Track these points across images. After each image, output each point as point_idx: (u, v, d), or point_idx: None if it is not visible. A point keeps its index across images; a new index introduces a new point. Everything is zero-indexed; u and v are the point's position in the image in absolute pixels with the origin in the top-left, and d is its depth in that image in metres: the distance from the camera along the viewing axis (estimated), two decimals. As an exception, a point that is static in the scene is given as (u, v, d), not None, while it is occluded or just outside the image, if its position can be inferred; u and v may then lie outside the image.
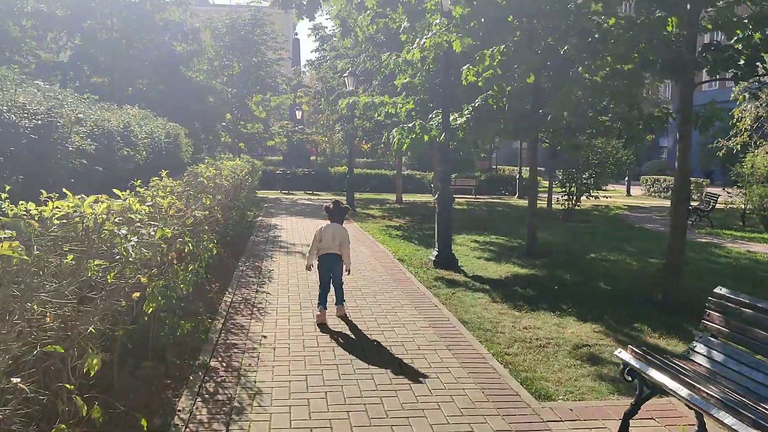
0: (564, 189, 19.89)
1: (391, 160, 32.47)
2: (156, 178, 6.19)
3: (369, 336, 6.33)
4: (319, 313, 6.81)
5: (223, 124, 27.18)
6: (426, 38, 9.20)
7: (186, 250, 5.08)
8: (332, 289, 7.11)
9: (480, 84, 8.87)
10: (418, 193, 31.66)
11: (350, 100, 12.95)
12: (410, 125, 10.61)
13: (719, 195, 18.79)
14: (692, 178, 36.42)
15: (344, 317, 7.01)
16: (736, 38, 7.03)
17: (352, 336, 6.33)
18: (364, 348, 5.95)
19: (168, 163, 9.61)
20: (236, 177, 10.47)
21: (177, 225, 4.48)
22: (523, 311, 7.65)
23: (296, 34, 43.78)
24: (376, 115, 13.08)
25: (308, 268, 7.30)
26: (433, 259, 10.56)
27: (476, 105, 9.65)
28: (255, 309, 7.25)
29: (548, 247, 12.87)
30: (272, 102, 32.55)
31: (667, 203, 30.25)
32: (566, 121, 10.71)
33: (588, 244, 13.66)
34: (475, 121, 9.55)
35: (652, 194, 35.53)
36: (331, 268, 7.12)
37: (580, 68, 9.38)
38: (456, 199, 10.98)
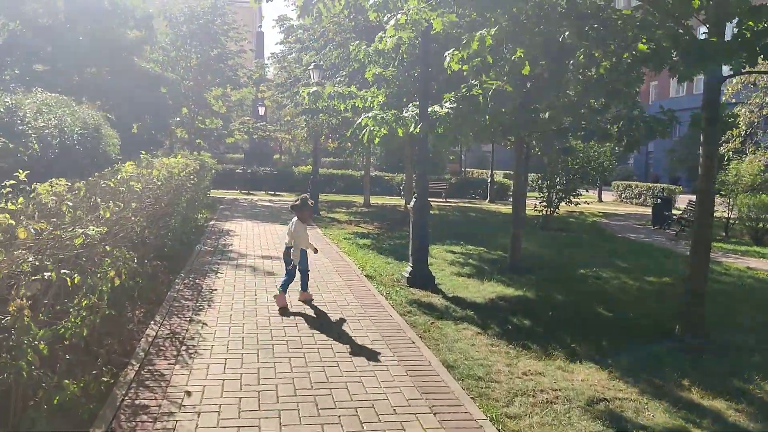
0: (542, 195, 18.68)
1: (358, 160, 30.99)
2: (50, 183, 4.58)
3: (328, 391, 4.82)
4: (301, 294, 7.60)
5: (178, 119, 25.31)
6: (401, 14, 7.74)
7: (71, 282, 3.54)
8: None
9: (465, 72, 7.44)
10: (387, 195, 30.25)
11: (313, 89, 11.38)
12: (383, 114, 9.12)
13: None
14: (663, 185, 36.01)
15: (308, 301, 7.54)
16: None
17: (304, 393, 4.81)
18: (319, 413, 4.45)
19: (85, 161, 7.95)
20: (177, 177, 8.84)
21: (34, 252, 2.94)
22: (518, 348, 6.25)
23: (260, 26, 41.93)
24: (343, 106, 11.55)
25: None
26: (407, 276, 9.11)
27: (460, 94, 8.21)
28: (183, 348, 5.67)
29: (532, 260, 11.55)
30: (233, 96, 30.76)
31: (642, 210, 29.63)
32: (561, 121, 9.39)
33: (575, 258, 12.38)
34: (457, 114, 8.10)
35: (624, 200, 34.85)
36: (303, 258, 7.59)
37: (581, 57, 8.04)
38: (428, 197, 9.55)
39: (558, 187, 18.23)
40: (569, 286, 9.52)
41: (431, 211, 9.71)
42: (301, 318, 6.82)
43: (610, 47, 8.35)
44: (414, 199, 9.16)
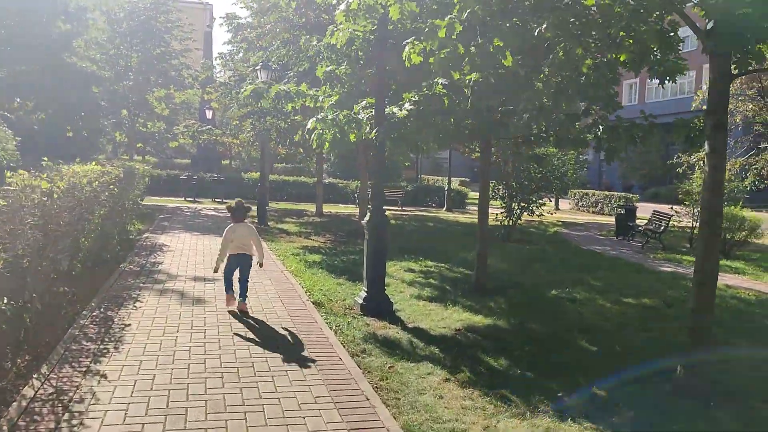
0: (504, 204, 17.76)
1: (312, 166, 29.67)
2: None
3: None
4: (227, 298, 7.52)
5: (113, 120, 23.52)
6: (354, -1, 6.57)
7: None
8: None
9: (432, 66, 6.30)
10: (342, 203, 29.00)
11: (257, 86, 10.05)
12: (334, 115, 7.89)
13: (671, 215, 17.14)
14: (618, 193, 35.87)
15: (245, 313, 7.31)
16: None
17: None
18: None
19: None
20: (87, 188, 7.44)
21: None
22: (495, 400, 5.12)
23: (208, 26, 40.13)
24: (290, 106, 10.28)
25: (216, 270, 7.65)
26: (361, 302, 7.91)
27: (422, 94, 7.06)
28: (66, 417, 4.32)
29: (499, 278, 10.51)
30: (177, 98, 29.05)
31: (600, 218, 29.16)
32: (534, 125, 8.37)
33: (544, 275, 11.39)
34: (418, 116, 6.95)
35: (581, 209, 34.47)
36: (239, 265, 7.54)
37: (561, 54, 7.00)
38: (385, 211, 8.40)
39: (520, 196, 17.36)
40: (543, 311, 8.48)
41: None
42: (228, 365, 5.53)
43: (591, 44, 7.40)
44: (369, 214, 7.97)
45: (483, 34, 6.30)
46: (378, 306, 7.80)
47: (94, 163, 8.68)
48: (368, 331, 6.99)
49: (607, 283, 10.84)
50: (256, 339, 6.37)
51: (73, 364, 5.33)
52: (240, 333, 6.55)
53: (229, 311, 7.39)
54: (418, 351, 6.36)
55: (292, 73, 15.61)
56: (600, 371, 6.01)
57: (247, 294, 7.56)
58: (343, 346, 6.25)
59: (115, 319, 6.79)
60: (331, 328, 6.90)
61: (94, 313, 6.96)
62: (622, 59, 7.07)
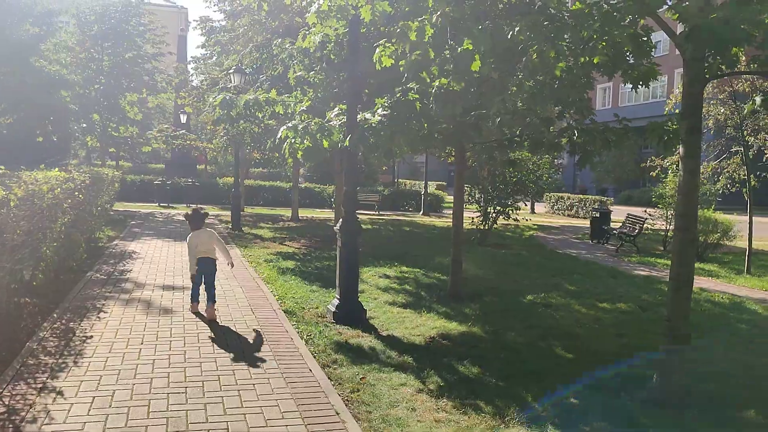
0: (479, 208, 17.73)
1: (288, 170, 29.45)
2: None
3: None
4: (191, 305, 7.68)
5: (84, 125, 23.02)
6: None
7: None
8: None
9: (402, 69, 6.16)
10: (318, 207, 28.82)
11: (226, 96, 9.82)
12: (304, 124, 7.72)
13: (646, 218, 17.24)
14: (594, 196, 36.13)
15: (213, 320, 7.29)
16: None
17: None
18: None
19: None
20: (48, 196, 7.17)
21: None
22: (469, 411, 4.99)
23: (182, 30, 39.65)
24: (261, 114, 10.11)
25: (193, 278, 7.64)
26: (333, 310, 7.74)
27: (394, 99, 6.93)
28: (17, 437, 4.11)
29: (474, 284, 10.41)
30: (150, 102, 28.58)
31: (575, 221, 29.34)
32: (506, 130, 8.30)
33: (519, 280, 11.32)
34: (391, 121, 6.81)
35: (556, 212, 34.65)
36: (206, 270, 7.59)
37: (535, 57, 6.92)
38: (358, 217, 8.26)
39: (495, 201, 17.34)
40: (519, 317, 8.38)
41: (362, 225, 8.42)
42: (193, 379, 5.33)
43: (564, 47, 7.34)
44: (341, 220, 7.82)
45: (455, 37, 6.20)
46: (351, 314, 7.64)
47: (56, 169, 8.39)
48: (340, 340, 6.83)
49: (583, 288, 10.81)
50: (224, 350, 6.17)
51: (28, 380, 5.09)
52: (207, 344, 6.34)
53: (193, 312, 7.60)
54: (390, 360, 6.21)
55: (264, 77, 15.39)
56: (575, 379, 5.93)
57: (216, 299, 7.58)
58: (314, 357, 6.08)
59: (77, 331, 6.54)
60: (302, 338, 6.72)
61: (55, 325, 6.70)
62: (595, 62, 7.01)
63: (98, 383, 5.10)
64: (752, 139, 13.74)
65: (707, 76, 5.61)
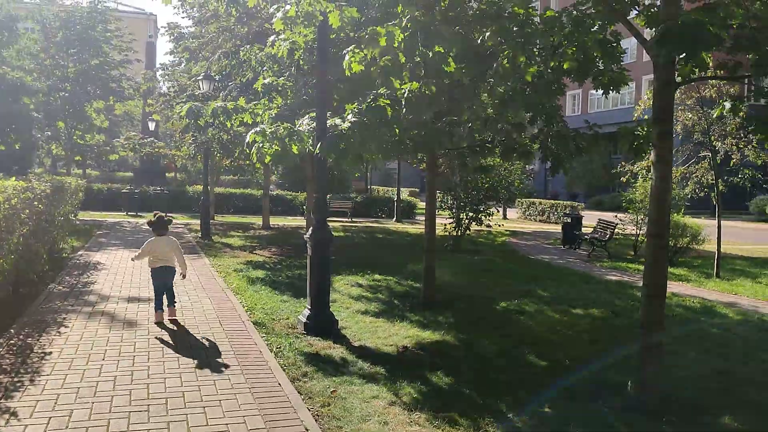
0: (452, 214, 17.71)
1: (259, 177, 29.12)
2: None
3: None
4: (155, 314, 7.54)
5: (49, 133, 22.48)
6: (291, 4, 6.27)
7: None
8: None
9: (374, 75, 6.04)
10: (290, 215, 28.55)
11: (192, 105, 9.58)
12: (273, 128, 7.54)
13: (616, 223, 17.38)
14: (565, 202, 36.45)
15: (175, 321, 7.53)
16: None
17: None
18: None
19: None
20: (9, 206, 6.88)
21: None
22: (443, 424, 4.86)
23: (150, 36, 39.05)
24: (229, 123, 9.90)
25: (133, 259, 7.99)
26: (304, 321, 7.56)
27: (365, 105, 6.80)
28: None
29: (448, 292, 10.31)
30: (117, 109, 28.06)
31: (546, 227, 29.48)
32: (478, 137, 8.24)
33: (493, 286, 11.27)
34: (362, 128, 6.68)
35: (528, 217, 34.87)
36: (165, 277, 7.66)
37: (505, 62, 6.87)
38: (330, 224, 8.11)
39: (468, 207, 17.33)
40: (492, 325, 8.30)
41: (335, 233, 8.29)
42: (157, 396, 5.11)
43: (534, 51, 7.31)
44: (312, 229, 7.65)
45: (425, 41, 6.11)
46: (322, 324, 7.47)
47: (13, 178, 8.08)
48: (311, 351, 6.66)
49: (556, 294, 10.78)
50: (190, 365, 5.95)
51: (-22, 402, 4.82)
52: (171, 358, 6.12)
53: (157, 322, 7.49)
54: (362, 372, 6.06)
55: (233, 84, 15.17)
56: (550, 388, 5.85)
57: (176, 301, 7.87)
58: (283, 370, 5.91)
59: (35, 348, 6.26)
60: (271, 351, 6.53)
61: (12, 342, 6.42)
62: (566, 67, 6.99)
63: (55, 403, 4.85)
64: (719, 144, 13.92)
65: (678, 80, 5.61)
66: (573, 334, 8.03)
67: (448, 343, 7.31)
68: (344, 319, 8.14)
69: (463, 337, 7.60)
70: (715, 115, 13.39)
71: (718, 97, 13.55)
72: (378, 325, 7.99)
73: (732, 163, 14.32)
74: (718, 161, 13.99)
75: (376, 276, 11.86)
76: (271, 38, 9.32)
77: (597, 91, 7.37)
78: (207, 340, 6.86)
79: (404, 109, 5.94)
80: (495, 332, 7.88)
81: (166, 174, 38.28)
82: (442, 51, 5.32)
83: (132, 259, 8.05)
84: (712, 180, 14.05)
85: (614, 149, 47.69)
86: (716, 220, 14.18)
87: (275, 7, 6.94)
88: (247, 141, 7.88)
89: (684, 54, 4.48)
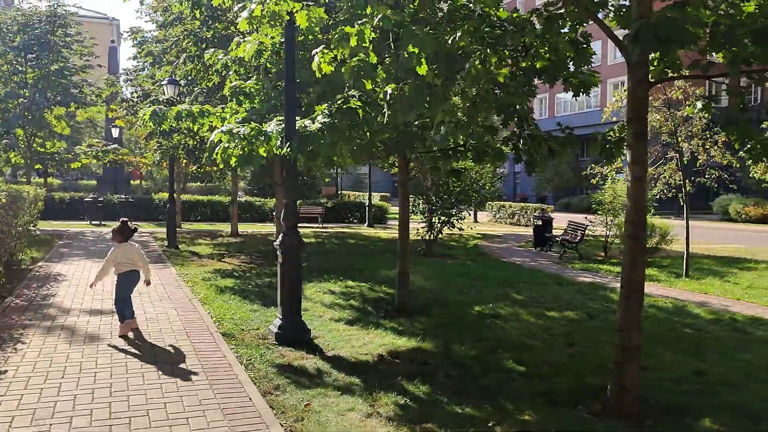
0: (424, 218, 17.60)
1: (227, 183, 28.67)
2: None
3: None
4: (123, 325, 7.33)
5: (6, 141, 21.77)
6: (256, 3, 6.06)
7: None
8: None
9: (345, 76, 5.85)
10: (259, 222, 28.17)
11: (156, 108, 9.27)
12: (240, 128, 7.29)
13: (586, 225, 17.47)
14: (534, 204, 36.73)
15: (137, 329, 7.41)
16: None
17: None
18: None
19: None
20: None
21: None
22: (422, 435, 4.69)
23: (113, 41, 38.23)
24: (196, 127, 9.60)
25: (92, 286, 7.80)
26: (276, 330, 7.32)
27: (335, 106, 6.61)
28: None
29: (422, 297, 10.17)
30: (79, 116, 27.32)
31: (517, 230, 29.62)
32: (451, 138, 8.10)
33: (467, 290, 11.16)
34: (332, 129, 6.48)
35: (498, 220, 35.05)
36: (133, 282, 7.55)
37: (477, 63, 6.76)
38: (301, 230, 7.88)
39: (440, 211, 17.24)
40: (468, 330, 8.16)
41: (306, 239, 8.06)
42: (119, 416, 4.83)
43: (506, 53, 7.22)
44: (282, 235, 7.43)
45: (396, 41, 5.95)
46: (294, 334, 7.25)
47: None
48: (282, 362, 6.43)
49: (529, 296, 10.72)
50: (155, 381, 5.67)
51: (-74, 427, 4.49)
52: (136, 374, 5.83)
53: (122, 335, 7.23)
54: (337, 383, 5.86)
55: (198, 89, 14.83)
56: (529, 393, 5.72)
57: (134, 313, 7.66)
58: (254, 384, 5.66)
59: (-11, 367, 5.91)
60: (241, 363, 6.28)
61: (-36, 360, 6.05)
62: (538, 66, 6.92)
63: (9, 426, 4.55)
64: (686, 145, 14.07)
65: (651, 80, 5.55)
66: (549, 338, 7.94)
67: (424, 350, 7.15)
68: (317, 328, 7.93)
69: (440, 343, 7.45)
70: (683, 114, 13.55)
71: (684, 99, 13.72)
72: (352, 334, 7.79)
73: (698, 163, 14.50)
74: (685, 162, 14.15)
75: (349, 282, 11.65)
76: (236, 40, 9.09)
77: (567, 93, 7.34)
78: (173, 353, 6.58)
79: (387, 112, 5.74)
80: (471, 337, 7.74)
81: (131, 182, 37.54)
82: (416, 51, 5.15)
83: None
84: (680, 181, 14.19)
85: (581, 152, 48.44)
86: (683, 220, 14.32)
87: (240, 6, 6.70)
88: (211, 139, 7.60)
89: (659, 51, 4.38)
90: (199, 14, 12.13)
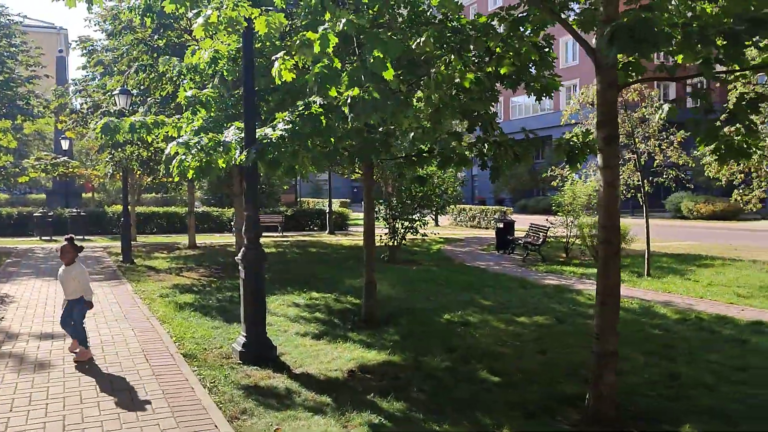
0: (387, 225, 17.43)
1: (183, 194, 28.01)
2: None
3: None
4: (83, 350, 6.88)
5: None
6: (212, 9, 5.78)
7: None
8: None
9: (308, 82, 5.61)
10: (217, 232, 27.54)
11: (109, 121, 8.84)
12: (197, 139, 6.98)
13: (548, 227, 17.57)
14: (494, 207, 36.98)
15: (91, 360, 6.84)
16: None
17: None
18: None
19: None
20: None
21: None
22: (400, 457, 4.49)
23: (61, 51, 37.00)
24: (151, 138, 9.23)
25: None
26: (240, 349, 7.02)
27: (297, 113, 6.36)
28: None
29: (389, 306, 9.97)
30: (27, 128, 26.36)
31: (477, 232, 29.76)
32: (417, 144, 7.96)
33: (433, 297, 11.02)
34: (294, 136, 6.23)
35: (459, 223, 35.17)
36: (72, 311, 6.96)
37: (443, 68, 6.62)
38: (261, 240, 7.58)
39: (403, 217, 17.11)
40: (438, 339, 8.00)
41: (266, 249, 7.79)
42: (76, 449, 4.50)
43: (471, 57, 7.11)
44: (243, 249, 7.14)
45: (360, 47, 5.76)
46: (259, 351, 6.96)
47: None
48: (249, 384, 6.14)
49: (496, 301, 10.64)
50: (112, 411, 5.32)
51: None
52: (91, 404, 5.47)
53: (76, 361, 6.83)
54: (307, 403, 5.60)
55: (152, 99, 14.37)
56: (505, 405, 5.58)
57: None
58: (219, 408, 5.37)
59: (-72, 402, 5.46)
60: (204, 386, 5.97)
61: None
62: (503, 72, 6.82)
63: (-50, 470, 4.17)
64: (643, 146, 14.27)
65: (620, 83, 5.48)
66: (521, 345, 7.83)
67: (395, 364, 6.94)
68: (283, 344, 7.65)
69: (410, 355, 7.26)
70: (639, 116, 13.74)
71: (640, 100, 13.91)
72: (320, 349, 7.54)
73: (656, 163, 14.72)
74: (642, 163, 14.33)
75: (314, 294, 11.38)
76: (192, 47, 8.77)
77: (522, 97, 7.27)
78: (131, 378, 6.22)
79: (350, 115, 5.54)
80: (441, 347, 7.57)
81: (83, 195, 36.39)
82: (381, 56, 4.97)
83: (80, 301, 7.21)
84: (638, 181, 14.36)
85: (537, 154, 49.10)
86: (639, 219, 14.54)
87: (194, 13, 6.40)
88: (167, 152, 7.27)
89: (635, 52, 4.29)
90: (150, 22, 11.71)
